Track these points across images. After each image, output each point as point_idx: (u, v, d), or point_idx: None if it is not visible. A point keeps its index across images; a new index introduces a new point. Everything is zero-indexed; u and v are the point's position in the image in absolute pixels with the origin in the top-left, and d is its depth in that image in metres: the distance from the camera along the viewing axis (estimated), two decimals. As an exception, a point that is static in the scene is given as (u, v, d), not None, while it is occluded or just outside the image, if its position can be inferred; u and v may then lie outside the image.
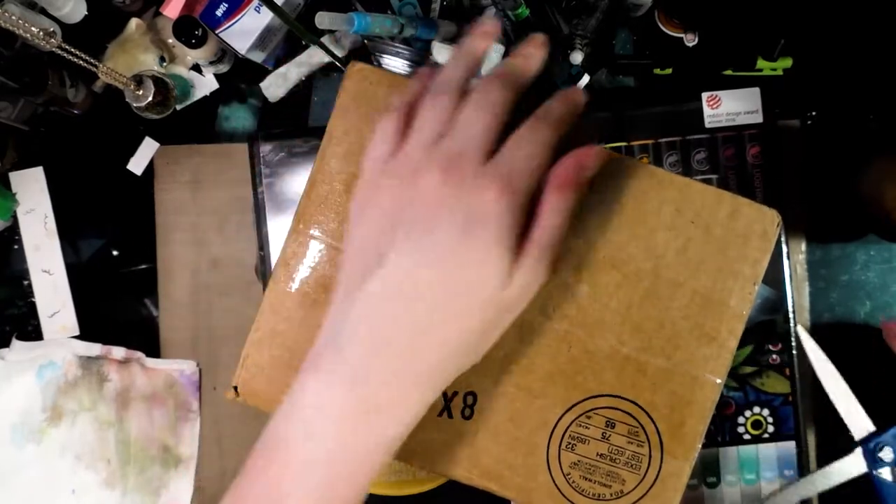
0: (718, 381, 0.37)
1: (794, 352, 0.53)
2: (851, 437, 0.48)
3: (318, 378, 0.31)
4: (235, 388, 0.39)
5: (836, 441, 0.51)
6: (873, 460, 0.47)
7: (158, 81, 0.58)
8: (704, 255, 0.37)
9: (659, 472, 0.37)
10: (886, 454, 0.47)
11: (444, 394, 0.38)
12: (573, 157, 0.32)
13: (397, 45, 0.57)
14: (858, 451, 0.47)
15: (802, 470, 0.54)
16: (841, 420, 0.51)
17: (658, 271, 0.37)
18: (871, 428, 0.47)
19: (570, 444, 0.37)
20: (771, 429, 0.53)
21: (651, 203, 0.37)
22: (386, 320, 0.31)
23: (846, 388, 0.48)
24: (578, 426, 0.37)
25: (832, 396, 0.48)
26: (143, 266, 0.62)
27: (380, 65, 0.58)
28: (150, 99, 0.57)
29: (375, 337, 0.31)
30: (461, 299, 0.31)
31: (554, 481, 0.37)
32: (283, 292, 0.38)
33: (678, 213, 0.37)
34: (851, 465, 0.47)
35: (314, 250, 0.38)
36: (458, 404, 0.38)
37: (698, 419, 0.37)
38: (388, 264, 0.31)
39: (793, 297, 0.53)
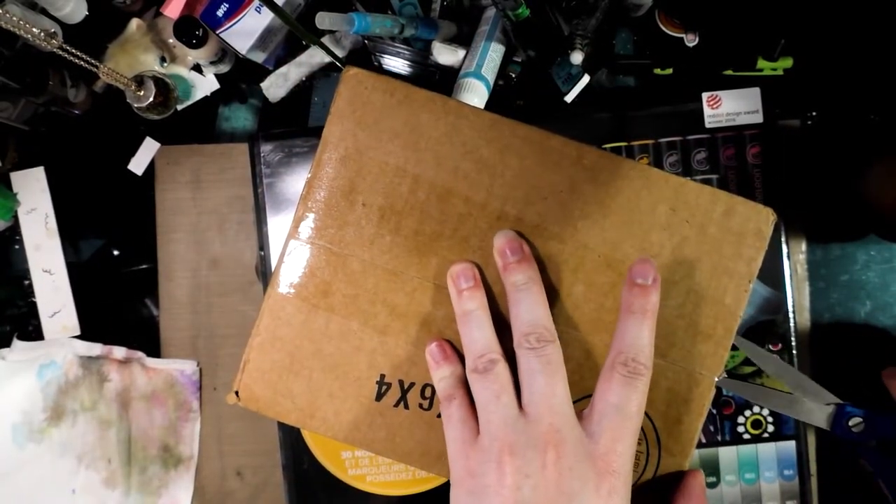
0: (715, 377, 0.37)
1: (795, 352, 0.53)
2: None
3: None
4: (237, 392, 0.39)
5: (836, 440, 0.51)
6: (840, 425, 0.43)
7: (159, 82, 0.58)
8: (699, 253, 0.37)
9: (657, 469, 0.37)
10: (855, 422, 0.43)
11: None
12: None
13: (398, 45, 0.57)
14: (832, 408, 0.43)
15: (802, 470, 0.54)
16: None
17: None
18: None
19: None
20: (771, 428, 0.53)
21: (646, 203, 0.37)
22: None
23: (804, 377, 0.44)
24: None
25: (791, 388, 0.44)
26: (144, 266, 0.63)
27: (380, 65, 0.58)
28: (150, 99, 0.58)
29: None
30: None
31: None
32: (283, 297, 0.39)
33: (673, 213, 0.37)
34: (819, 415, 0.44)
35: (312, 255, 0.38)
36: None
37: (695, 416, 0.37)
38: None
39: (793, 297, 0.53)
